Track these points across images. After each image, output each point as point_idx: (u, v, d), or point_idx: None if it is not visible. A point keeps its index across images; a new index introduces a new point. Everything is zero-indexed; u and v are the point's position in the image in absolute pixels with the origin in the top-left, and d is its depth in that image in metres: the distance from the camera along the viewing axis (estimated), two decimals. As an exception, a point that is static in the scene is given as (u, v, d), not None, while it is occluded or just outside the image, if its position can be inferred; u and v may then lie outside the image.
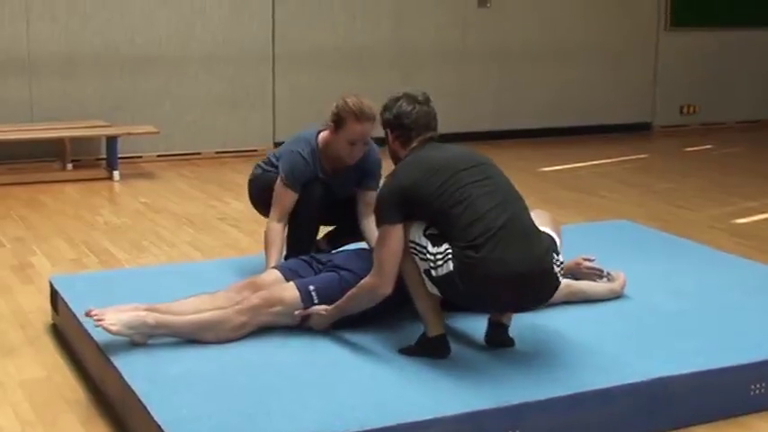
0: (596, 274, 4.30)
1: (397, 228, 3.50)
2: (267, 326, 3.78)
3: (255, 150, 8.70)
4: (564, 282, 4.11)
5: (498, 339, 3.68)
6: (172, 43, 8.34)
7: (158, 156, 8.39)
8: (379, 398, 3.23)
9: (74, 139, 7.83)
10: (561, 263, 3.60)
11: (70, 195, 7.08)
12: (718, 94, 10.76)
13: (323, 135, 4.34)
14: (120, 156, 7.69)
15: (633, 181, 7.93)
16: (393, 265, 3.50)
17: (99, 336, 3.65)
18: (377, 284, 3.52)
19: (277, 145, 8.89)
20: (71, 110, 7.97)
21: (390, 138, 3.76)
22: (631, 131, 10.18)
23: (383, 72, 9.02)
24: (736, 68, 10.79)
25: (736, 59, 10.78)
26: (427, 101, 3.75)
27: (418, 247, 3.48)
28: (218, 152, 8.63)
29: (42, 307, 4.53)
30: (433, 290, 3.50)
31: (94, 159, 8.10)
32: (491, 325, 3.70)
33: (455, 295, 3.50)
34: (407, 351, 3.64)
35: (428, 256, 3.44)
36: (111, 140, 7.66)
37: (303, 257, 4.13)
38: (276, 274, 3.99)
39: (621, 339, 3.80)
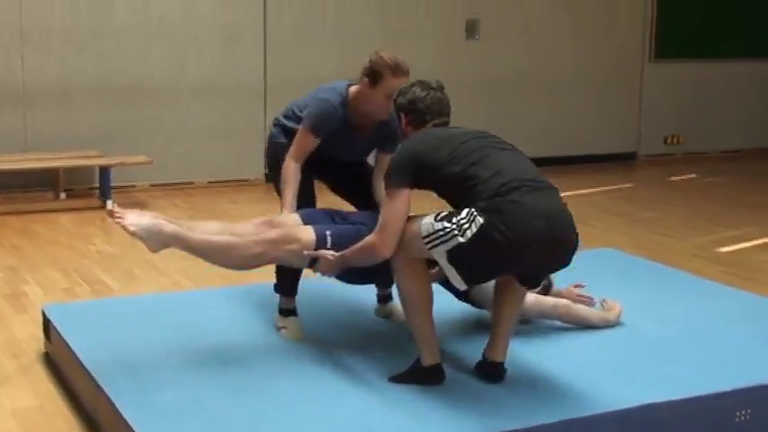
0: (587, 302, 4.30)
1: (405, 192, 3.48)
2: (278, 263, 3.85)
3: (247, 180, 8.72)
4: (562, 302, 4.15)
5: (491, 376, 3.64)
6: (165, 74, 8.36)
7: (151, 185, 8.38)
8: (369, 426, 3.22)
9: (67, 169, 7.82)
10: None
11: (63, 225, 7.06)
12: (702, 125, 10.82)
13: (353, 89, 4.19)
14: (113, 185, 7.68)
15: (619, 210, 7.95)
16: (396, 227, 3.46)
17: (91, 365, 3.63)
18: (377, 244, 3.49)
19: (268, 174, 8.89)
20: (65, 140, 7.97)
21: (404, 122, 3.75)
22: (617, 161, 10.22)
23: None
24: (718, 99, 10.86)
25: (718, 90, 10.85)
26: (441, 88, 3.77)
27: (438, 233, 3.36)
28: (210, 182, 8.63)
29: (35, 336, 4.51)
30: (458, 273, 3.37)
31: (88, 189, 8.09)
32: (485, 363, 3.66)
33: (487, 255, 3.32)
34: (399, 379, 3.62)
35: (451, 229, 3.32)
36: (105, 170, 7.65)
37: (324, 209, 4.13)
38: (295, 217, 3.98)
39: (609, 366, 3.80)
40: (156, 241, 3.63)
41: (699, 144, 10.85)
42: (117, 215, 3.61)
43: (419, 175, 3.50)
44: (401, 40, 9.06)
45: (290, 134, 4.27)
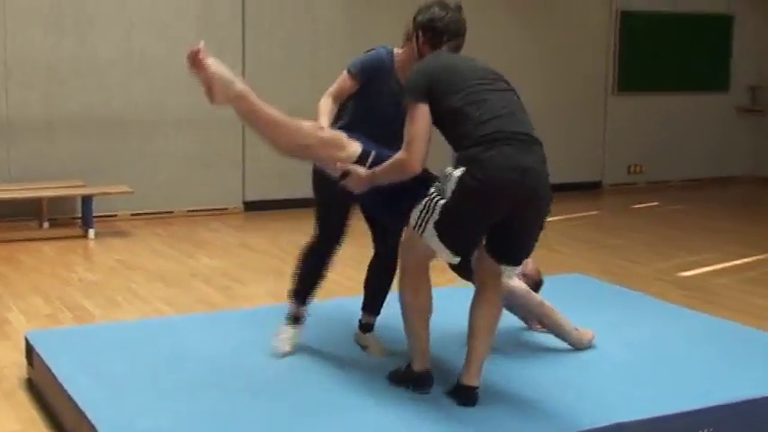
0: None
1: (424, 107, 3.50)
2: (316, 162, 3.89)
3: (226, 209, 8.70)
4: (548, 303, 4.17)
5: (465, 400, 3.61)
6: (146, 107, 8.35)
7: (133, 214, 8.34)
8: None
9: (50, 199, 7.77)
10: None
11: (46, 253, 7.00)
12: (663, 155, 10.92)
13: (399, 50, 4.13)
14: (95, 214, 7.63)
15: (585, 236, 7.99)
16: (422, 140, 3.50)
17: (74, 390, 3.59)
18: (406, 159, 3.52)
19: (247, 203, 8.91)
20: (48, 170, 7.92)
21: (421, 39, 3.79)
22: (583, 189, 10.28)
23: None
24: (678, 130, 10.98)
25: (678, 122, 10.98)
26: (459, 9, 3.81)
27: (422, 211, 3.48)
28: (190, 211, 8.60)
29: (18, 362, 4.45)
30: (446, 245, 3.45)
31: (71, 218, 8.03)
32: (459, 387, 3.64)
33: (467, 206, 3.40)
34: (394, 376, 3.75)
35: (432, 196, 3.46)
36: (87, 200, 7.61)
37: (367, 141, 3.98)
38: (344, 134, 3.95)
39: (579, 387, 3.81)
40: (224, 91, 3.61)
41: (660, 173, 10.95)
42: (201, 53, 3.58)
43: (432, 92, 3.52)
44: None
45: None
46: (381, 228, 4.22)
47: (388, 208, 3.91)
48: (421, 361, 3.68)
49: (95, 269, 6.56)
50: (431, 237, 3.46)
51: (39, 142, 7.97)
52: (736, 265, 6.93)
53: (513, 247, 3.62)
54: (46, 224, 7.78)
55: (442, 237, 3.44)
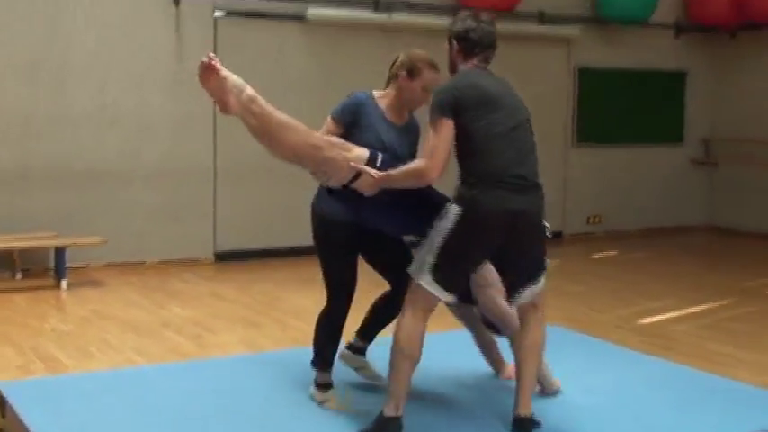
0: None
1: (449, 121, 3.61)
2: (326, 166, 3.89)
3: (198, 259, 8.65)
4: None
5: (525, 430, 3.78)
6: (119, 159, 8.32)
7: (105, 264, 8.27)
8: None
9: (23, 250, 7.69)
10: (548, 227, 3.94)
11: (19, 304, 6.90)
12: (621, 205, 11.05)
13: (379, 92, 4.23)
14: (68, 264, 7.55)
15: (548, 284, 7.95)
16: (443, 151, 3.62)
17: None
18: (427, 167, 3.63)
19: (218, 254, 8.87)
20: (21, 222, 7.84)
21: (455, 48, 3.85)
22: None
23: (316, 184, 9.08)
24: (636, 181, 11.12)
25: (635, 173, 11.12)
26: (491, 22, 3.88)
27: (420, 253, 3.70)
28: (162, 260, 8.54)
29: (-10, 413, 4.37)
30: (440, 285, 3.63)
31: (44, 269, 7.95)
32: (518, 419, 3.81)
33: (459, 240, 3.59)
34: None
35: (430, 237, 3.65)
36: (60, 251, 7.54)
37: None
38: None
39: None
40: (237, 96, 3.71)
41: (619, 223, 11.06)
42: (213, 60, 3.68)
43: (456, 109, 3.63)
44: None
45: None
46: (391, 267, 4.20)
47: (390, 218, 4.00)
48: (395, 406, 3.68)
49: (68, 319, 6.49)
50: (428, 281, 3.63)
51: (12, 193, 7.91)
52: (693, 311, 6.99)
53: (524, 266, 3.86)
54: (18, 275, 7.69)
55: (436, 275, 3.61)
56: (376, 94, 4.22)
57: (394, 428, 3.68)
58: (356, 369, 4.42)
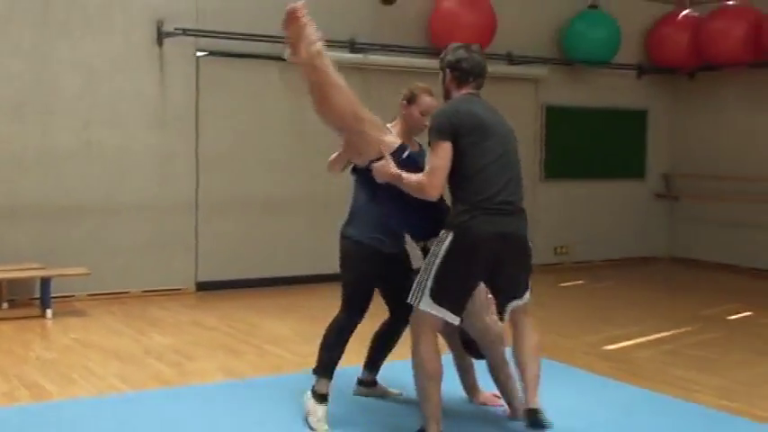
0: (498, 404, 4.50)
1: (447, 144, 3.78)
2: (360, 139, 4.04)
3: (180, 289, 8.60)
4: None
5: (534, 420, 3.94)
6: (104, 194, 8.28)
7: (89, 295, 8.20)
8: None
9: (10, 281, 7.61)
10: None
11: (4, 333, 6.82)
12: (587, 237, 11.12)
13: (391, 124, 4.52)
14: (54, 295, 7.48)
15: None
16: (442, 172, 3.80)
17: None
18: (426, 184, 3.81)
19: (199, 284, 8.83)
20: (8, 253, 7.77)
21: (448, 77, 4.02)
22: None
23: (294, 217, 9.11)
24: (600, 214, 11.21)
25: (600, 207, 11.21)
26: (479, 52, 4.06)
27: (421, 277, 3.84)
28: (144, 291, 8.48)
29: (-25, 439, 4.32)
30: (444, 307, 3.78)
31: (29, 299, 7.87)
32: (529, 411, 3.97)
33: (453, 263, 3.74)
34: None
35: (429, 262, 3.81)
36: (45, 281, 7.47)
37: None
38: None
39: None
40: (307, 46, 3.87)
41: (585, 254, 11.12)
42: (301, 11, 3.85)
43: (454, 133, 3.79)
44: (322, 162, 9.18)
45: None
46: (397, 295, 4.37)
47: (413, 226, 4.20)
48: (434, 425, 3.80)
49: (52, 347, 6.42)
50: (428, 304, 3.77)
51: (0, 226, 7.85)
52: (656, 338, 7.02)
53: (514, 283, 3.98)
54: (5, 305, 7.60)
55: (436, 298, 3.75)
56: (389, 125, 4.48)
57: None
58: (380, 397, 4.72)
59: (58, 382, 5.45)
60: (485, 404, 4.54)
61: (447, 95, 4.05)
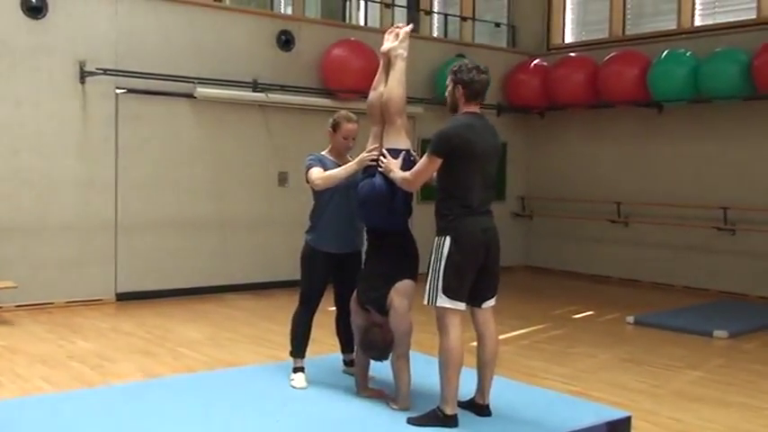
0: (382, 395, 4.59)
1: (439, 160, 3.95)
2: (391, 125, 4.38)
3: (101, 299, 8.36)
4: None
5: (482, 413, 4.12)
6: (31, 215, 7.99)
7: (17, 306, 7.88)
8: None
9: (-59, 294, 7.25)
10: None
11: (-64, 342, 6.49)
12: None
13: (327, 150, 4.78)
14: (-18, 307, 7.17)
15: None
16: (424, 177, 4.10)
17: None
18: (411, 181, 4.13)
19: (119, 294, 8.59)
20: (-61, 270, 7.41)
21: (459, 92, 4.05)
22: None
23: (206, 236, 8.99)
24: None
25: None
26: (487, 72, 4.12)
27: (431, 280, 3.99)
28: (68, 302, 8.20)
29: None
30: (450, 299, 3.94)
31: (-41, 311, 7.51)
32: (475, 404, 4.15)
33: (455, 261, 3.92)
34: (418, 421, 3.95)
35: (434, 261, 4.00)
36: (-25, 294, 7.15)
37: None
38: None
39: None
40: (394, 49, 4.46)
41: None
42: (405, 34, 4.49)
43: (448, 155, 3.93)
44: (228, 187, 9.10)
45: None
46: (344, 292, 4.69)
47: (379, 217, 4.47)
48: (452, 405, 3.94)
49: (-19, 354, 6.13)
50: (444, 300, 3.91)
51: (-69, 245, 7.47)
52: (514, 335, 7.20)
53: (490, 283, 4.17)
54: (-64, 316, 7.24)
55: (448, 292, 3.89)
56: (323, 152, 4.76)
57: (454, 423, 3.95)
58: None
59: (-13, 386, 5.21)
60: (371, 397, 4.54)
61: (454, 108, 4.11)
